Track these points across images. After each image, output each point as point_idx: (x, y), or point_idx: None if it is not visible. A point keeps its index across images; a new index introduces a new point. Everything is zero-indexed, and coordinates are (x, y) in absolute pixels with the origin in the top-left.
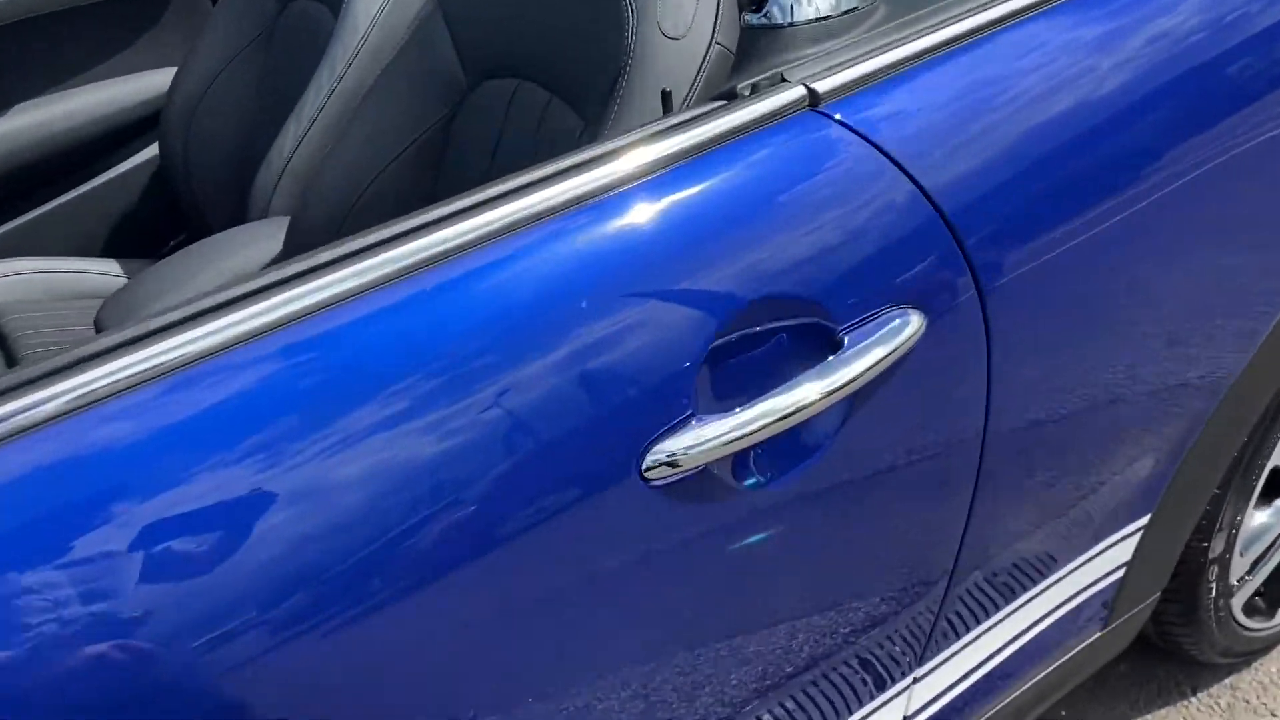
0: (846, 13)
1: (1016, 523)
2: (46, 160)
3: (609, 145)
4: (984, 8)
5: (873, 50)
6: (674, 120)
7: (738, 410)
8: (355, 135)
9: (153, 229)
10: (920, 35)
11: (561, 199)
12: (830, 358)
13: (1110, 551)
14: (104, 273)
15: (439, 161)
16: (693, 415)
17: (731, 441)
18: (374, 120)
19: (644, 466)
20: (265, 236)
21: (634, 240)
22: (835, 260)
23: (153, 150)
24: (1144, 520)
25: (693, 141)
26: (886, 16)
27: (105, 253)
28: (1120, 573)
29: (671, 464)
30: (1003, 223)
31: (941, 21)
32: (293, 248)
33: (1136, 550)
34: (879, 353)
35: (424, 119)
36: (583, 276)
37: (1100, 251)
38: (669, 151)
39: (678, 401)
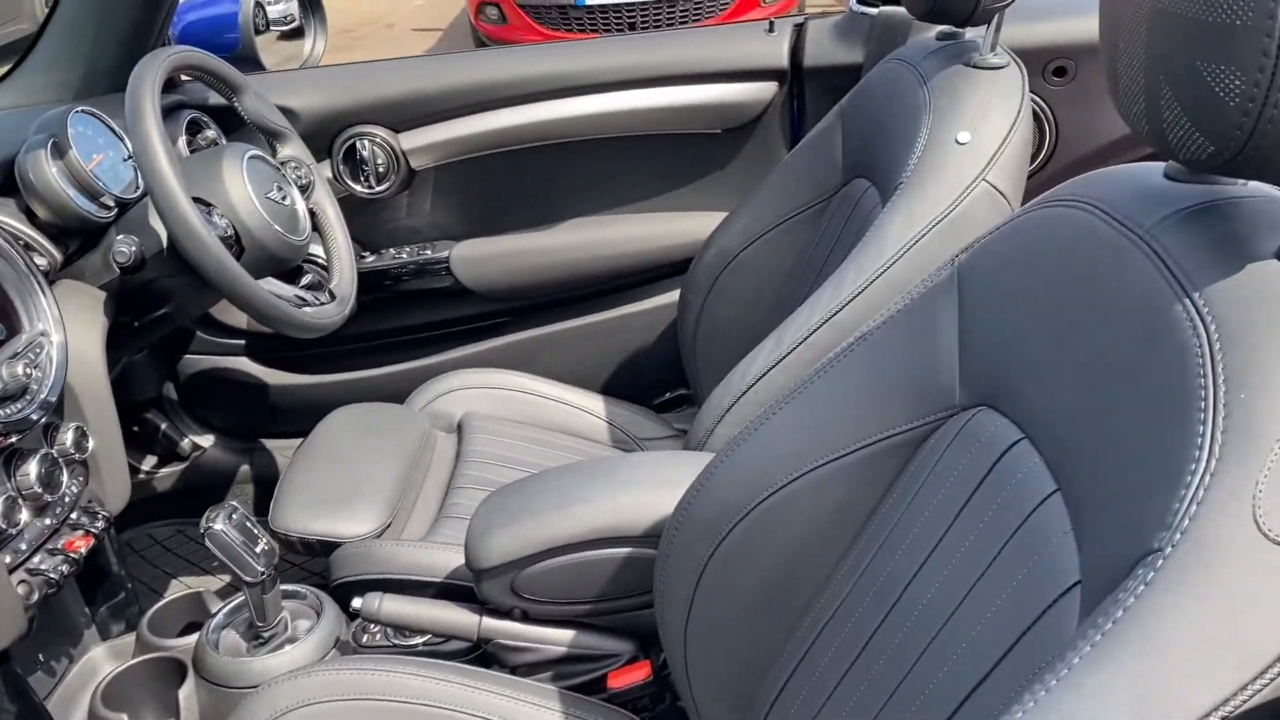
0: None
1: None
2: (586, 280)
3: None
4: None
5: None
6: None
7: None
8: (803, 411)
9: (658, 376)
10: None
11: None
12: None
13: None
14: (577, 406)
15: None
16: None
17: None
18: (838, 402)
19: None
20: (666, 483)
21: None
22: None
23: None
24: None
25: None
26: None
27: (604, 385)
28: None
29: None
30: None
31: None
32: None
33: None
34: None
35: (888, 424)
36: None
37: None
38: None
39: None
